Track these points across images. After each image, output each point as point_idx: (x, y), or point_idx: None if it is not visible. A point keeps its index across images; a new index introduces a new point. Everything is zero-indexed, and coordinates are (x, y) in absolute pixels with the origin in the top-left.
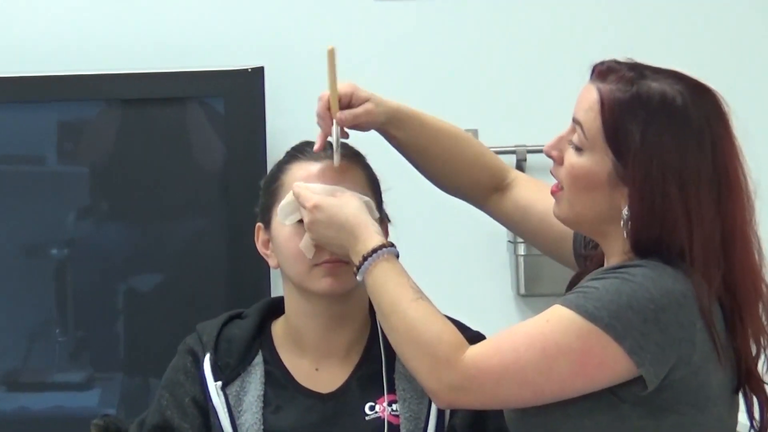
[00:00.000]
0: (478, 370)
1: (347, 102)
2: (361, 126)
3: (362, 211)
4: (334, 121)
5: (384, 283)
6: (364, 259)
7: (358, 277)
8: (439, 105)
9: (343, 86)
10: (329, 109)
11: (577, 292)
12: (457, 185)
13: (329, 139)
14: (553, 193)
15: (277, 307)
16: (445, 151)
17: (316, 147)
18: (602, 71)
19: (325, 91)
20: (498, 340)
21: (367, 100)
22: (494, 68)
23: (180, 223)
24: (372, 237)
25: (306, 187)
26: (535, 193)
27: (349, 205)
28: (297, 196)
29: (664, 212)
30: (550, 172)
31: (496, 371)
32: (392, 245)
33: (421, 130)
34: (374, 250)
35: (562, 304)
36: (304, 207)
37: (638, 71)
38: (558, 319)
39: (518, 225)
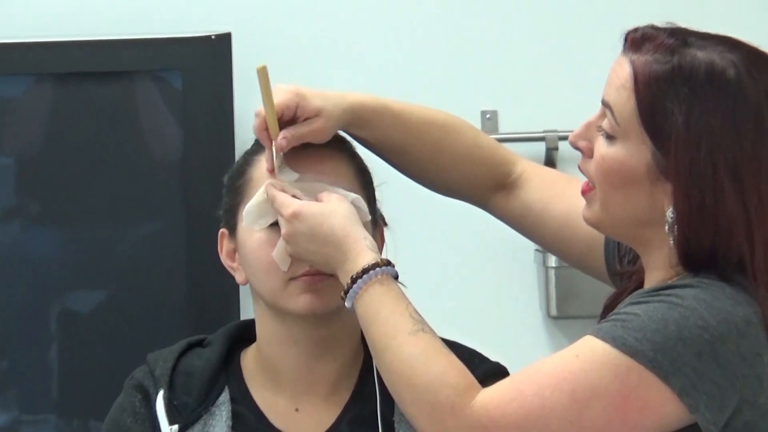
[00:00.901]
0: (491, 420)
1: (291, 115)
2: (308, 140)
3: (352, 220)
4: (274, 144)
5: (377, 311)
6: (353, 281)
7: (347, 303)
8: (451, 84)
9: (286, 96)
10: (267, 129)
11: (614, 320)
12: (447, 185)
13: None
14: (583, 193)
15: (247, 333)
16: (428, 146)
17: (267, 167)
18: (636, 40)
19: (261, 107)
20: (516, 381)
21: (316, 114)
22: (517, 38)
23: (128, 228)
24: (363, 253)
25: (282, 187)
26: (550, 190)
27: (336, 212)
28: (272, 201)
29: (717, 212)
30: (578, 167)
31: (514, 420)
32: (389, 263)
33: (393, 125)
34: (365, 270)
35: (595, 336)
36: (281, 215)
37: (680, 38)
38: (590, 353)
39: (532, 231)
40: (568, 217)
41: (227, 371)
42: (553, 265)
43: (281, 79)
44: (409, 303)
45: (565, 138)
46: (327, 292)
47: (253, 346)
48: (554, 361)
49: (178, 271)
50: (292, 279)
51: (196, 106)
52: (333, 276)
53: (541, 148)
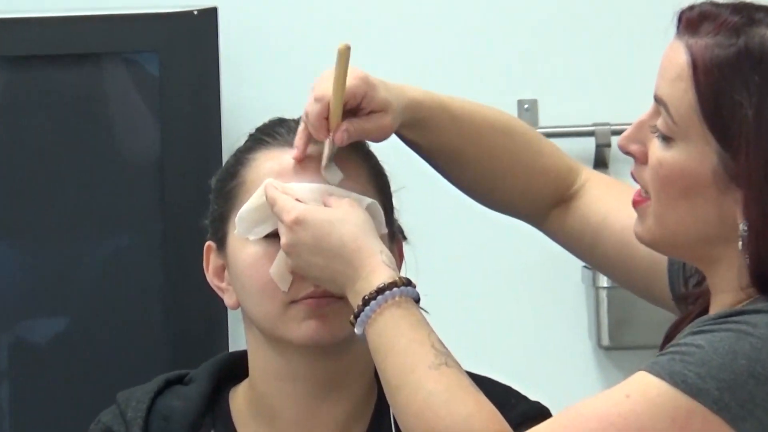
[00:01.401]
0: None
1: (354, 106)
2: (369, 139)
3: (366, 229)
4: (330, 137)
5: (393, 340)
6: (365, 302)
7: (357, 330)
8: (484, 69)
9: (354, 82)
10: (327, 117)
11: (672, 353)
12: (504, 198)
13: (311, 148)
14: (635, 204)
15: (237, 367)
16: (487, 153)
17: (296, 154)
18: (692, 20)
19: (323, 86)
20: (556, 425)
21: (382, 108)
22: (560, 15)
23: (93, 243)
24: (378, 270)
25: (284, 188)
26: (612, 200)
27: (347, 220)
28: (272, 203)
29: None
30: (631, 174)
31: None
32: (408, 283)
33: (451, 128)
34: (380, 290)
35: (650, 371)
36: (282, 221)
37: (746, 15)
38: (643, 393)
39: (590, 251)
40: (631, 233)
41: (213, 414)
42: (605, 285)
43: (278, 60)
44: (432, 331)
45: (619, 133)
46: (335, 317)
47: (245, 384)
48: (601, 402)
49: (153, 294)
50: (293, 302)
51: (175, 95)
52: (343, 298)
53: (589, 144)
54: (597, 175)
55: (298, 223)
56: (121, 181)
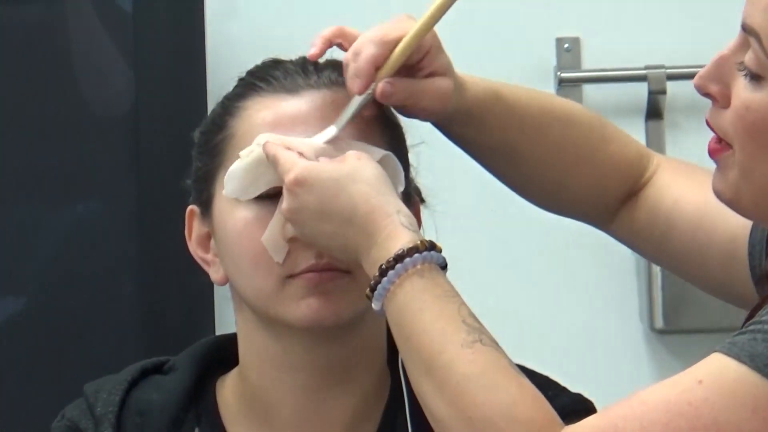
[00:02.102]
0: None
1: (417, 61)
2: (417, 107)
3: (380, 187)
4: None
5: (417, 315)
6: (383, 272)
7: (374, 305)
8: (517, 2)
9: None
10: (377, 68)
11: (752, 332)
12: (567, 197)
13: (317, 97)
14: (713, 154)
15: (224, 353)
16: (547, 146)
17: (313, 52)
18: None
19: (396, 27)
20: (614, 416)
21: (444, 72)
22: None
23: (55, 209)
24: (397, 233)
25: (284, 142)
26: (684, 180)
27: (357, 176)
28: (273, 163)
29: None
30: (706, 121)
31: None
32: (432, 246)
33: (505, 121)
34: (400, 257)
35: (727, 353)
36: (282, 180)
37: None
38: (719, 378)
39: (659, 245)
40: (705, 213)
41: (197, 408)
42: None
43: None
44: (463, 303)
45: (676, 78)
46: (340, 295)
47: (234, 373)
48: (668, 389)
49: (126, 269)
50: (290, 277)
51: (151, 33)
52: (349, 273)
53: (641, 91)
54: (668, 160)
55: (299, 184)
56: (87, 136)
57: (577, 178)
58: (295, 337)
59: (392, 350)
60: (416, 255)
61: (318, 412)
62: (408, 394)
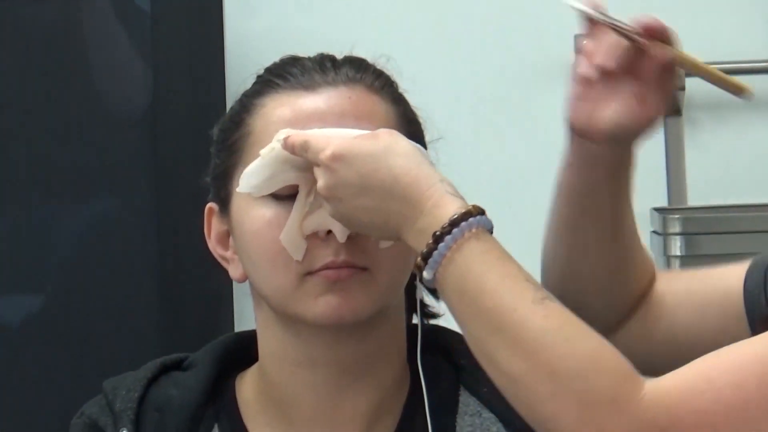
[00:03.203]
0: (674, 420)
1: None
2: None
3: (419, 159)
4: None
5: (481, 278)
6: (437, 239)
7: (427, 274)
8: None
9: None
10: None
11: None
12: (588, 273)
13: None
14: None
15: (244, 351)
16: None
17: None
18: None
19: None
20: (705, 367)
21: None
22: None
23: (73, 207)
24: (444, 200)
25: (307, 132)
26: (672, 275)
27: (395, 150)
28: (303, 148)
29: None
30: None
31: (710, 422)
32: (483, 212)
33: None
34: (454, 223)
35: None
36: (317, 160)
37: None
38: None
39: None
40: (697, 280)
41: (217, 405)
42: (678, 253)
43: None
44: (520, 265)
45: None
46: (358, 291)
47: (254, 370)
48: (758, 344)
49: (145, 266)
50: (308, 274)
51: (170, 32)
52: (366, 269)
53: None
54: (662, 275)
55: (336, 159)
56: (106, 134)
57: (587, 259)
58: (314, 334)
59: (411, 346)
60: (471, 219)
61: (338, 408)
62: (427, 388)
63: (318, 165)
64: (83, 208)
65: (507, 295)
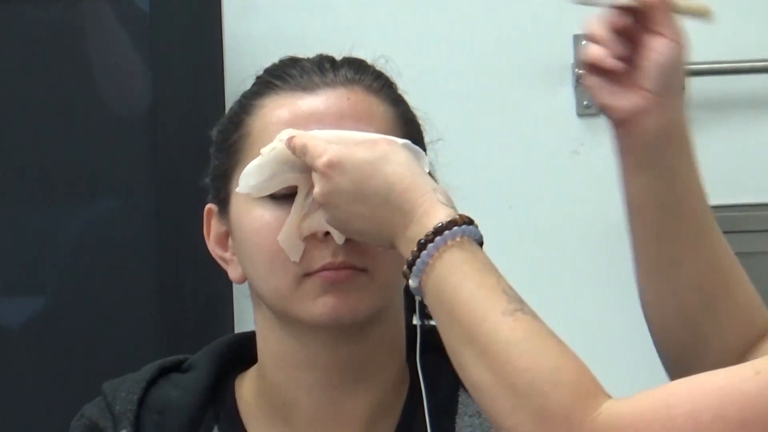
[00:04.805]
0: None
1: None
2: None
3: (413, 168)
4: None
5: (457, 287)
6: (421, 246)
7: (412, 282)
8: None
9: None
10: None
11: None
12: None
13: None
14: None
15: (243, 352)
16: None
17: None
18: None
19: None
20: (665, 394)
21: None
22: None
23: (74, 208)
24: (434, 209)
25: (308, 135)
26: None
27: (390, 159)
28: (301, 151)
29: None
30: None
31: None
32: (471, 222)
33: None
34: (439, 231)
35: None
36: (314, 165)
37: None
38: None
39: None
40: None
41: (216, 406)
42: None
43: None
44: (501, 276)
45: (692, 74)
46: (357, 292)
47: (253, 371)
48: (722, 377)
49: (145, 267)
50: (307, 275)
51: (169, 35)
52: (365, 270)
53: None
54: None
55: (332, 166)
56: (106, 135)
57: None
58: (313, 335)
59: (411, 346)
60: (455, 228)
61: (337, 409)
62: (426, 389)
63: (315, 169)
64: (83, 209)
65: (479, 305)
